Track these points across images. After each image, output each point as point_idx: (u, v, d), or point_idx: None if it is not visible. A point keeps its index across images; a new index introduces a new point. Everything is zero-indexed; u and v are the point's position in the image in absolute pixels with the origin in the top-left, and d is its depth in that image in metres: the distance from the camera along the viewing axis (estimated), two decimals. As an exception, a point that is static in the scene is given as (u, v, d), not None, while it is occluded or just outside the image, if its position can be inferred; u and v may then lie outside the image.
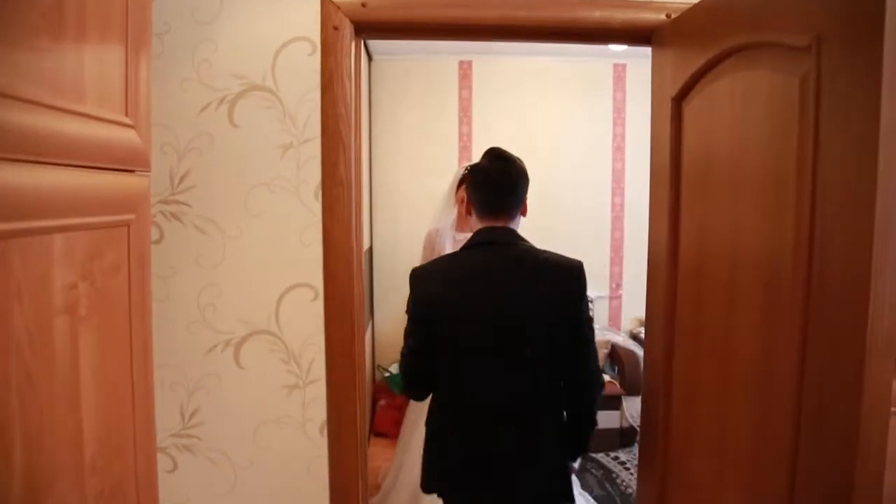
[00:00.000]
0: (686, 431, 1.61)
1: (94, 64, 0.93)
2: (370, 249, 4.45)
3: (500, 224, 1.63)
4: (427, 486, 1.70)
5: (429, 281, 1.62)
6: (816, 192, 1.10)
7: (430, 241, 2.84)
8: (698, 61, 1.52)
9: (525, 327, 1.56)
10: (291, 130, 1.74)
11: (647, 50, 1.82)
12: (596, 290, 4.66)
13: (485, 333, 1.56)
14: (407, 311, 1.65)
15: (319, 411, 1.80)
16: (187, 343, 1.78)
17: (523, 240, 1.65)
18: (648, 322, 1.87)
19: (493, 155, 1.66)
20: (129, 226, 1.14)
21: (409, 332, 1.64)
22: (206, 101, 1.73)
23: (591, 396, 1.64)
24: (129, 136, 1.14)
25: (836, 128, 1.06)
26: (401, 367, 1.67)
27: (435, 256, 2.41)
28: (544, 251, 1.62)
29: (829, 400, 1.07)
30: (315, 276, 1.77)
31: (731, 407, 1.40)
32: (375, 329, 4.64)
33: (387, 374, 4.53)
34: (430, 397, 1.72)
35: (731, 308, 1.39)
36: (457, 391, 1.62)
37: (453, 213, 2.84)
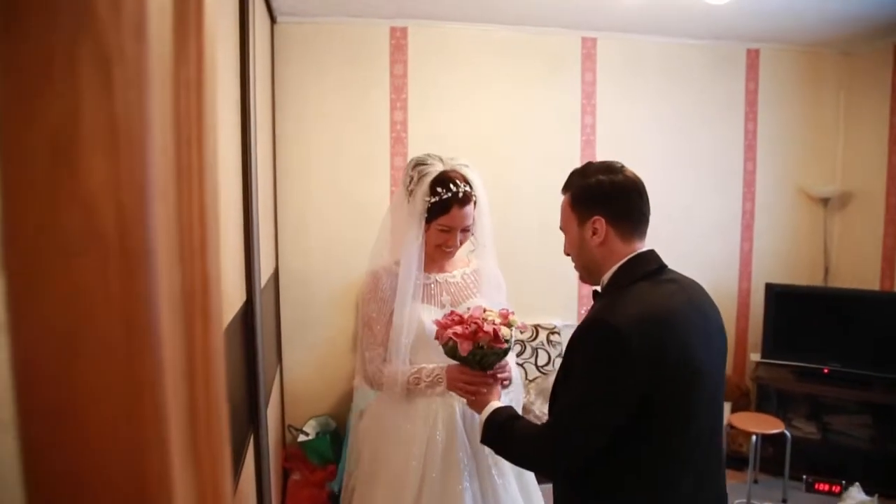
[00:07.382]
0: None
1: None
2: (276, 273, 3.06)
3: (642, 245, 1.28)
4: None
5: (648, 333, 1.12)
6: None
7: (376, 286, 1.65)
8: None
9: (723, 379, 1.29)
10: None
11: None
12: (563, 317, 3.51)
13: (710, 393, 1.20)
14: (593, 376, 1.15)
15: None
16: None
17: None
18: None
19: (611, 164, 1.30)
20: None
21: (597, 402, 1.15)
22: None
23: None
24: None
25: None
26: (559, 443, 1.18)
27: (390, 306, 1.64)
28: None
29: None
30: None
31: None
32: (284, 377, 3.26)
33: (301, 439, 3.16)
34: None
35: None
36: (678, 476, 1.17)
37: (416, 242, 1.59)
